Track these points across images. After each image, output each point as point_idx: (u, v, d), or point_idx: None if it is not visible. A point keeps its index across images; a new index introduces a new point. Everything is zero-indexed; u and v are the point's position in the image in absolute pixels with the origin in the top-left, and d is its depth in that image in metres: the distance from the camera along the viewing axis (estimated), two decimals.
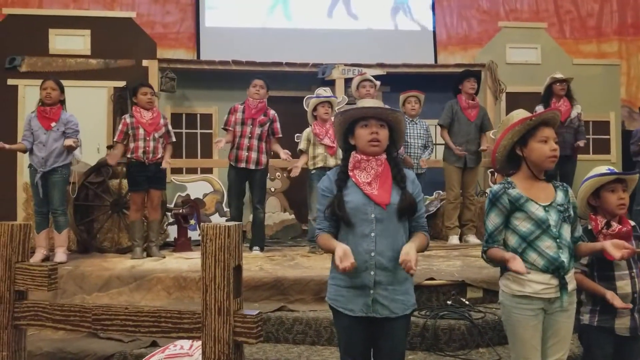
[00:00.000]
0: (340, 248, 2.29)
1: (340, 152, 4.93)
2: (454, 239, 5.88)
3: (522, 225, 2.43)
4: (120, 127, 5.31)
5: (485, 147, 5.93)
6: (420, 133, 5.94)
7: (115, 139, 5.37)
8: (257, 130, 5.43)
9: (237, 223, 2.06)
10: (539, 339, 2.45)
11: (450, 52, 9.00)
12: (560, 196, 2.48)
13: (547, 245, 2.39)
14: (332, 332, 3.58)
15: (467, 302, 3.84)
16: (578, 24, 9.06)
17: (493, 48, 7.95)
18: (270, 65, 7.47)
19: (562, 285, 2.40)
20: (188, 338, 2.50)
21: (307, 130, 5.53)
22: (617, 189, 2.68)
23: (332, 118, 5.11)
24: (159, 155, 5.28)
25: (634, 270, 2.71)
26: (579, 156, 6.40)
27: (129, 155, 5.27)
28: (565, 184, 2.56)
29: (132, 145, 5.24)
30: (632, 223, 2.76)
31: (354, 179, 2.45)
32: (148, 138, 5.21)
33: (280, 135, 5.62)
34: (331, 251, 2.36)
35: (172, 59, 7.66)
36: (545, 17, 8.88)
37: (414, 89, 6.01)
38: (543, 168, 2.47)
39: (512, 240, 2.47)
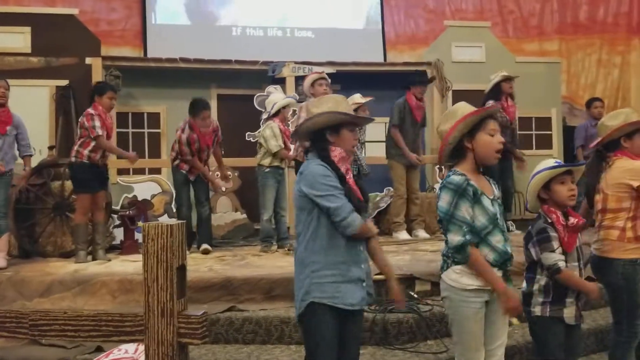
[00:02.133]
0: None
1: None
2: (402, 234, 5.96)
3: (478, 219, 2.44)
4: (96, 123, 5.03)
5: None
6: (364, 129, 6.01)
7: (96, 134, 5.04)
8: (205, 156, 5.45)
9: (180, 222, 2.02)
10: (483, 332, 2.51)
11: (399, 50, 9.12)
12: (496, 190, 2.58)
13: (497, 239, 2.45)
14: (283, 330, 3.58)
15: (415, 296, 3.89)
16: (520, 23, 9.33)
17: (439, 47, 8.10)
18: (219, 63, 7.39)
19: (508, 277, 2.47)
20: (131, 341, 2.45)
21: (274, 125, 5.42)
22: (567, 181, 2.73)
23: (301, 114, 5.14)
24: (107, 159, 5.25)
25: (581, 262, 2.81)
26: (523, 151, 6.58)
27: (74, 158, 5.08)
28: (491, 178, 2.65)
29: (89, 146, 5.04)
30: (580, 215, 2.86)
31: (345, 172, 2.53)
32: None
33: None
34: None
35: (117, 56, 7.47)
36: (489, 17, 9.11)
37: (363, 91, 6.05)
38: (488, 161, 2.51)
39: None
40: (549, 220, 2.71)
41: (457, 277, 2.47)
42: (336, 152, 2.50)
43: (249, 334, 3.63)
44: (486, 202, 2.47)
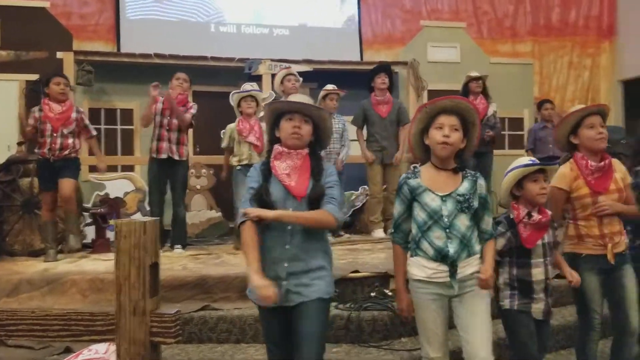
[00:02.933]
0: (257, 280, 2.30)
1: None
2: (378, 233, 5.97)
3: (419, 215, 2.54)
4: (30, 121, 5.00)
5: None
6: (338, 127, 6.00)
7: (26, 131, 5.03)
8: (175, 122, 5.30)
9: (153, 219, 2.00)
10: (441, 323, 2.55)
11: (375, 50, 9.14)
12: (464, 186, 2.53)
13: (437, 235, 2.48)
14: (257, 329, 3.55)
15: (390, 293, 3.90)
16: (495, 24, 9.44)
17: (415, 46, 8.15)
18: (194, 59, 7.33)
19: (452, 273, 2.48)
20: (102, 341, 2.40)
21: (231, 126, 5.46)
22: (539, 179, 2.80)
23: (262, 112, 5.09)
24: (67, 152, 5.00)
25: (548, 259, 2.86)
26: (495, 151, 6.68)
27: (36, 151, 5.00)
28: (476, 174, 2.62)
29: (40, 140, 4.96)
30: (549, 212, 2.90)
31: (273, 170, 2.50)
32: (55, 134, 4.95)
33: (194, 112, 5.47)
34: (246, 259, 2.40)
35: (89, 51, 7.34)
36: (464, 18, 9.19)
37: (334, 85, 6.06)
38: (437, 155, 2.54)
39: (414, 229, 2.58)
40: (510, 216, 2.76)
41: (409, 268, 2.59)
42: (274, 150, 2.52)
43: (223, 333, 3.60)
44: (428, 198, 2.51)
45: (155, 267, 2.04)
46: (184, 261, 4.70)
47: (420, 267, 2.52)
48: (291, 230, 2.42)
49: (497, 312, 2.86)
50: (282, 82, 5.72)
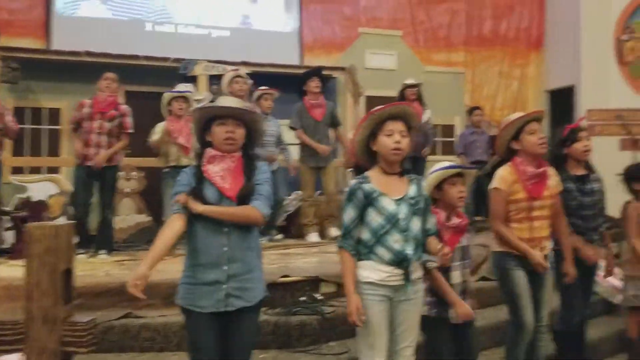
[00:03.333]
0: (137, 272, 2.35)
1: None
2: (313, 236, 5.99)
3: (374, 220, 2.52)
4: None
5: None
6: (273, 130, 5.99)
7: None
8: (107, 126, 5.13)
9: (67, 222, 1.93)
10: (386, 327, 2.56)
11: (315, 55, 9.19)
12: (412, 189, 2.58)
13: (395, 239, 2.50)
14: (182, 336, 3.47)
15: (320, 297, 3.91)
16: (430, 34, 9.67)
17: (353, 53, 8.25)
18: (127, 58, 7.14)
19: (406, 276, 2.51)
20: (12, 351, 2.29)
21: (160, 125, 5.31)
22: (457, 183, 2.89)
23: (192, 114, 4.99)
24: None
25: (465, 262, 2.94)
26: (428, 157, 6.85)
27: None
28: (419, 177, 2.69)
29: None
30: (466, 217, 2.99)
31: (206, 174, 2.46)
32: None
33: (131, 131, 5.32)
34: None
35: (14, 47, 7.01)
36: (401, 26, 9.37)
37: (270, 87, 6.06)
38: (389, 161, 2.57)
39: (365, 234, 2.56)
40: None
41: (360, 271, 2.56)
42: (206, 154, 2.48)
43: (146, 341, 3.50)
44: (385, 202, 2.52)
45: (68, 273, 1.97)
46: (107, 267, 4.54)
47: (373, 270, 2.51)
48: (228, 231, 2.40)
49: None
50: (230, 83, 5.65)
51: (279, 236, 6.07)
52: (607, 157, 6.47)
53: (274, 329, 3.51)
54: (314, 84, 6.03)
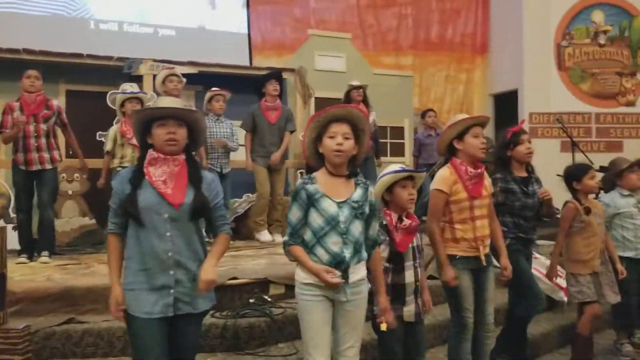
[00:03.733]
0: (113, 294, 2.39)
1: None
2: (264, 235, 5.96)
3: (315, 221, 2.53)
4: None
5: None
6: (226, 132, 5.93)
7: None
8: (43, 127, 4.94)
9: (0, 226, 1.83)
10: (327, 328, 2.56)
11: (265, 56, 9.16)
12: (358, 193, 2.58)
13: (333, 241, 2.50)
14: (127, 341, 3.37)
15: (269, 299, 3.88)
16: (379, 37, 9.81)
17: (303, 54, 8.25)
18: (69, 57, 6.89)
19: (344, 278, 2.50)
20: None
21: (114, 128, 5.20)
22: (408, 186, 2.93)
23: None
24: None
25: (417, 261, 2.98)
26: (383, 158, 6.93)
27: None
28: (367, 182, 2.68)
29: None
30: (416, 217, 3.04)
31: (147, 177, 2.40)
32: None
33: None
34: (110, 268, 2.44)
35: None
36: (350, 29, 9.44)
37: (219, 88, 6.00)
38: (332, 163, 2.57)
39: (307, 234, 2.56)
40: (384, 222, 2.86)
41: (297, 271, 2.59)
42: (148, 156, 2.43)
43: (89, 347, 3.39)
44: (326, 204, 2.52)
45: (2, 278, 1.88)
46: (49, 271, 4.37)
47: (308, 271, 2.51)
48: (171, 236, 2.36)
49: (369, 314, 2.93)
50: (163, 83, 5.54)
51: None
52: (548, 159, 6.71)
53: (222, 331, 3.46)
54: (272, 87, 6.04)
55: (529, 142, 3.69)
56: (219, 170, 5.82)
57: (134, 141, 5.04)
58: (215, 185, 2.53)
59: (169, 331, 2.40)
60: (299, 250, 2.55)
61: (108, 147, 5.20)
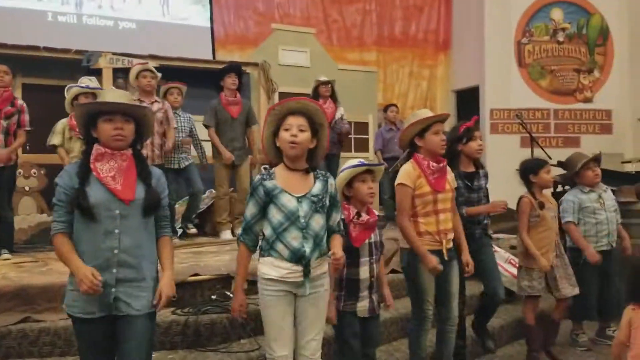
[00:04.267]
0: (82, 272, 2.23)
1: None
2: (226, 234, 5.91)
3: (275, 216, 2.53)
4: None
5: None
6: (184, 126, 5.86)
7: None
8: (3, 123, 4.80)
9: None
10: (289, 322, 2.56)
11: (228, 50, 9.10)
12: (317, 187, 2.59)
13: (293, 236, 2.50)
14: None
15: (231, 295, 3.85)
16: (343, 33, 9.85)
17: (267, 49, 8.21)
18: (25, 49, 6.73)
19: (305, 273, 2.52)
20: None
21: (62, 121, 5.07)
22: (367, 180, 2.95)
23: None
24: None
25: (374, 257, 3.00)
26: (342, 154, 6.94)
27: None
28: (327, 174, 2.68)
29: None
30: (377, 213, 3.06)
31: (95, 173, 2.34)
32: None
33: (29, 129, 5.02)
34: (68, 266, 2.31)
35: None
36: (315, 24, 9.46)
37: (191, 88, 5.92)
38: (288, 156, 2.57)
39: (267, 230, 2.56)
40: (342, 217, 2.87)
41: (259, 266, 2.59)
42: (94, 151, 2.37)
43: (46, 346, 3.30)
44: (284, 199, 2.52)
45: None
46: (4, 269, 4.24)
47: (273, 267, 2.52)
48: (119, 233, 2.31)
49: None
50: (137, 78, 5.43)
51: (194, 230, 5.93)
52: (508, 155, 6.86)
53: (183, 328, 3.42)
54: (230, 80, 5.92)
55: (481, 139, 3.75)
56: (176, 166, 5.74)
57: None
58: (163, 182, 2.51)
59: (117, 331, 2.34)
60: (240, 256, 2.65)
61: (55, 140, 5.05)
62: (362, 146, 8.64)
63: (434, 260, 3.14)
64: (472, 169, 3.76)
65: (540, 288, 4.01)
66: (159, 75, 5.61)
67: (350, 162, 3.01)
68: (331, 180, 2.68)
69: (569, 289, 4.08)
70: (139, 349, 2.35)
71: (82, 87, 5.14)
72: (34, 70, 7.00)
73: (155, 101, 5.51)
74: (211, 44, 8.91)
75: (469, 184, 3.69)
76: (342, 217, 2.90)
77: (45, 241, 6.01)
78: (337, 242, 2.66)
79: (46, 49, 6.79)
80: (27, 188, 6.24)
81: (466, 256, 3.43)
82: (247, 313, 2.66)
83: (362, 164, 2.95)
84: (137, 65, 5.60)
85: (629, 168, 7.03)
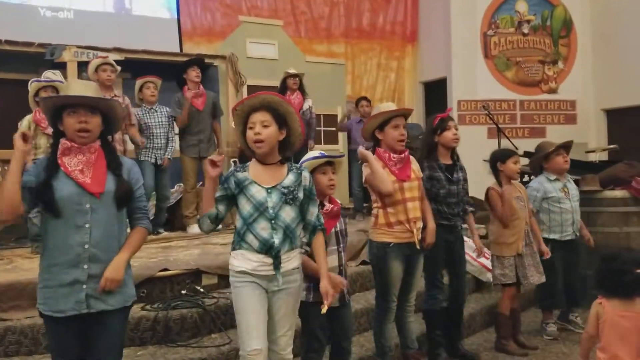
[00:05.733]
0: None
1: None
2: (194, 228, 5.86)
3: (244, 208, 2.53)
4: None
5: None
6: (162, 121, 5.79)
7: None
8: None
9: None
10: (262, 315, 2.54)
11: (195, 42, 9.00)
12: (289, 179, 2.58)
13: (262, 227, 2.50)
14: None
15: (201, 290, 3.84)
16: (311, 24, 9.82)
17: (234, 41, 8.13)
18: None
19: (276, 265, 2.51)
20: None
21: (28, 117, 4.96)
22: (328, 171, 2.96)
23: None
24: None
25: (341, 245, 3.03)
26: (317, 146, 6.96)
27: None
28: (301, 167, 2.69)
29: None
30: (339, 202, 3.08)
31: (63, 168, 2.30)
32: None
33: None
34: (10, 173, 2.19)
35: None
36: (283, 16, 9.41)
37: (147, 75, 5.85)
38: (255, 152, 2.57)
39: (239, 222, 2.56)
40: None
41: (231, 260, 2.58)
42: (61, 145, 2.33)
43: (12, 345, 3.24)
44: (254, 190, 2.53)
45: None
46: None
47: (244, 260, 2.51)
48: (89, 227, 2.27)
49: None
50: (96, 71, 5.33)
51: (165, 234, 5.86)
52: (476, 146, 6.96)
53: (153, 324, 3.40)
54: (194, 73, 5.90)
55: (456, 128, 3.80)
56: (153, 161, 5.68)
57: (49, 130, 4.82)
58: (135, 172, 2.47)
59: (88, 329, 2.32)
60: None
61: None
62: (331, 139, 8.66)
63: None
64: (449, 161, 3.79)
65: (513, 275, 4.09)
66: (119, 68, 5.52)
67: (310, 153, 3.01)
68: (305, 174, 2.66)
69: (537, 276, 4.17)
70: (112, 346, 2.34)
71: (41, 80, 5.03)
72: None
73: (115, 96, 5.42)
74: (178, 36, 8.80)
75: (449, 176, 3.73)
76: None
77: (8, 238, 5.88)
78: (322, 259, 2.67)
79: (7, 42, 6.60)
80: None
81: (429, 236, 3.45)
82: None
83: (323, 156, 2.95)
84: (96, 59, 5.50)
85: (593, 157, 7.20)
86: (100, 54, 6.17)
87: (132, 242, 2.42)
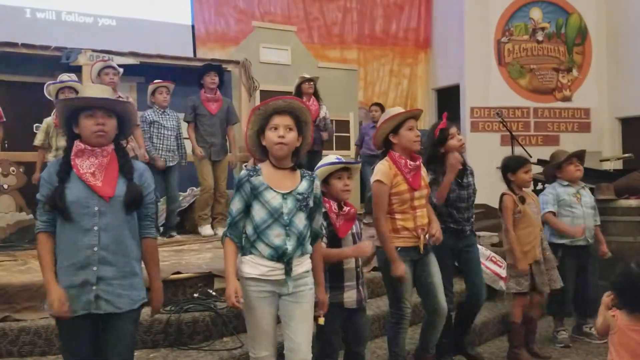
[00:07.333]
0: (51, 296, 2.25)
1: None
2: (206, 229, 5.89)
3: (258, 214, 2.51)
4: None
5: None
6: (172, 124, 5.84)
7: None
8: None
9: None
10: (272, 322, 2.55)
11: (209, 48, 9.08)
12: (303, 185, 2.58)
13: (276, 233, 2.49)
14: None
15: (213, 293, 3.85)
16: (324, 31, 9.86)
17: (248, 47, 8.18)
18: (3, 46, 6.60)
19: (287, 271, 2.51)
20: None
21: (47, 120, 5.02)
22: (343, 177, 2.96)
23: None
24: None
25: None
26: (325, 151, 6.94)
27: None
28: (313, 175, 2.69)
29: None
30: (359, 210, 3.09)
31: (75, 169, 2.32)
32: None
33: (3, 119, 4.97)
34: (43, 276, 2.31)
35: None
36: (296, 22, 9.46)
37: (162, 79, 5.90)
38: (275, 155, 2.57)
39: (249, 228, 2.54)
40: (324, 210, 2.90)
41: (241, 266, 2.55)
42: (75, 148, 2.35)
43: (26, 345, 3.27)
44: (269, 196, 2.51)
45: None
46: None
47: (254, 265, 2.50)
48: (98, 230, 2.29)
49: None
50: (99, 75, 5.38)
51: (178, 237, 5.90)
52: (489, 152, 6.94)
53: (165, 327, 3.41)
54: (210, 79, 5.95)
55: (459, 133, 3.74)
56: (168, 163, 5.74)
57: None
58: (147, 177, 2.47)
59: (100, 329, 2.34)
60: (228, 247, 2.55)
61: (37, 140, 5.03)
62: (343, 144, 8.66)
63: (400, 270, 3.17)
64: (459, 165, 3.78)
65: (527, 284, 4.06)
66: (121, 71, 5.57)
67: (326, 158, 3.02)
68: (317, 182, 2.67)
69: (558, 281, 4.16)
70: (123, 347, 2.36)
71: (57, 82, 5.09)
72: (12, 68, 6.89)
73: (120, 97, 5.48)
74: (192, 41, 8.88)
75: (459, 181, 3.72)
76: (324, 209, 2.90)
77: (23, 239, 5.94)
78: (319, 272, 2.69)
79: (24, 45, 6.69)
80: (5, 186, 6.14)
81: (435, 229, 3.39)
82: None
83: (339, 161, 2.96)
84: (98, 63, 5.55)
85: (607, 166, 7.14)
86: (116, 58, 6.24)
87: (154, 259, 2.49)
